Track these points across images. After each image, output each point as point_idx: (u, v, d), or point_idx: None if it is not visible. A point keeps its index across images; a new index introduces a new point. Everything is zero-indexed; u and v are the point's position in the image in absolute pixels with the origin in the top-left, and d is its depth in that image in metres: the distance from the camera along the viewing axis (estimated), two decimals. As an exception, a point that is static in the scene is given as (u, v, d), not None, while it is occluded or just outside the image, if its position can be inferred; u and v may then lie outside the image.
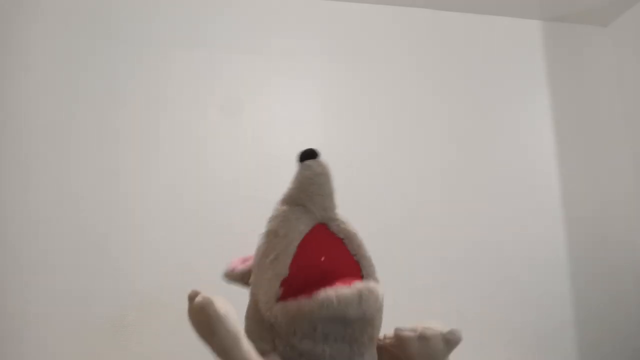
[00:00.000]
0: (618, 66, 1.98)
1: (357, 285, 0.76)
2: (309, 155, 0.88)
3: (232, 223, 1.58)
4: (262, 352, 0.75)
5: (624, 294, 1.79)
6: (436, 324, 0.83)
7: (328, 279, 0.77)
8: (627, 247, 1.84)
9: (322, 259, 0.82)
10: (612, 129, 1.94)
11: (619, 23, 1.99)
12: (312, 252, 0.82)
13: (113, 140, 1.60)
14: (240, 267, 0.96)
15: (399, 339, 0.82)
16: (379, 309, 0.82)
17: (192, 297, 0.73)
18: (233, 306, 0.74)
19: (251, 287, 0.88)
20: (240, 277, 0.97)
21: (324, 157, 0.89)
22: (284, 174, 1.66)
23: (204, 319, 0.70)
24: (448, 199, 1.75)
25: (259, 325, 0.81)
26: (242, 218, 1.59)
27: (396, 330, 0.83)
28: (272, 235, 0.85)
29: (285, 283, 0.79)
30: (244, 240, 1.56)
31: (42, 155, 1.55)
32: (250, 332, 0.81)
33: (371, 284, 0.79)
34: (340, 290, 0.74)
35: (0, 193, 1.49)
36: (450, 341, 0.83)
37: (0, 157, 1.52)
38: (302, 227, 0.83)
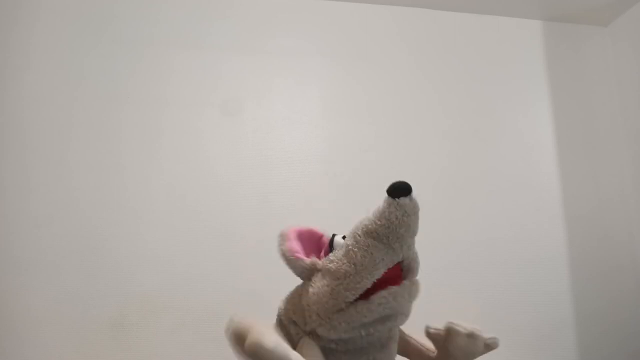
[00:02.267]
0: (618, 66, 1.98)
1: (405, 282, 0.87)
2: (402, 191, 0.84)
3: (232, 223, 1.58)
4: (297, 333, 0.88)
5: (624, 294, 1.79)
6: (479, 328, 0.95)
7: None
8: (627, 247, 1.84)
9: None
10: (612, 129, 1.94)
11: (619, 23, 1.99)
12: (380, 284, 0.85)
13: (113, 140, 1.60)
14: (307, 261, 0.92)
15: (451, 332, 0.94)
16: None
17: (235, 332, 0.81)
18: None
19: (310, 287, 0.89)
20: (299, 269, 0.93)
21: (413, 191, 0.85)
22: (284, 174, 1.68)
23: (251, 352, 0.75)
24: (448, 199, 1.75)
25: (301, 313, 0.89)
26: (242, 218, 1.59)
27: (449, 323, 0.96)
28: (352, 264, 0.84)
29: None
30: (244, 240, 1.57)
31: (42, 155, 1.55)
32: (292, 314, 0.91)
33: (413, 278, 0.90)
34: (392, 289, 0.84)
35: (0, 193, 1.49)
36: (490, 346, 0.97)
37: (0, 157, 1.52)
38: (382, 268, 0.84)
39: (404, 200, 0.83)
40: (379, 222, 0.84)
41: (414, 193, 0.83)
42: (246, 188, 1.62)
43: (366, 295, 0.84)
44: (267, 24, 1.80)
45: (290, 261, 0.92)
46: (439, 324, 0.98)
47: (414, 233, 0.86)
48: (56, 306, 1.44)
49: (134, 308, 1.47)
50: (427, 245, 1.67)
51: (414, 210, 0.83)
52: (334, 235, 0.97)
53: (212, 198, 1.60)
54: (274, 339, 0.75)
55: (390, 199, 0.83)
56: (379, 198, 1.79)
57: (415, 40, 1.91)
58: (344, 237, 0.94)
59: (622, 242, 1.84)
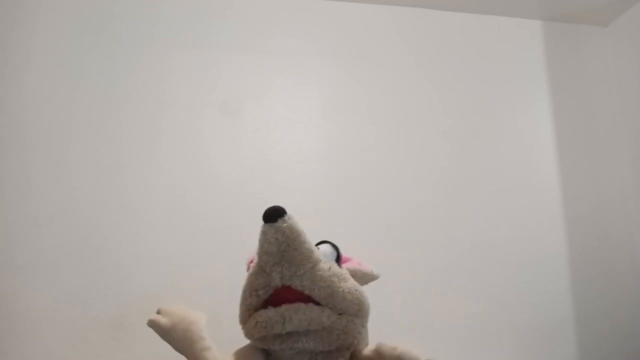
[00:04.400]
0: (618, 66, 1.98)
1: (282, 307, 0.88)
2: (266, 217, 0.86)
3: (232, 223, 1.58)
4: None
5: (624, 294, 1.79)
6: (416, 352, 0.84)
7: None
8: (627, 247, 1.84)
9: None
10: (612, 129, 1.94)
11: (619, 23, 1.99)
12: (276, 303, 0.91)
13: (113, 141, 1.60)
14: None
15: (378, 353, 0.87)
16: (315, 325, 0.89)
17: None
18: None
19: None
20: None
21: (284, 214, 0.87)
22: (284, 174, 1.68)
23: (158, 333, 0.93)
24: (448, 199, 1.75)
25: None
26: (242, 218, 1.59)
27: (378, 344, 0.88)
28: (243, 293, 0.96)
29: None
30: (244, 240, 1.56)
31: (42, 155, 1.55)
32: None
33: (298, 305, 0.88)
34: (265, 313, 0.89)
35: (0, 193, 1.49)
36: None
37: (0, 157, 1.52)
38: (262, 293, 0.90)
39: (264, 227, 0.86)
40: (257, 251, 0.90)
41: (284, 218, 0.85)
42: (246, 188, 1.62)
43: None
44: (267, 24, 1.80)
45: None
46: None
47: (282, 258, 0.87)
48: (56, 306, 1.43)
49: (134, 308, 1.47)
50: (427, 245, 1.69)
51: (276, 236, 0.85)
52: (318, 244, 0.99)
53: (212, 198, 1.60)
54: (173, 320, 0.93)
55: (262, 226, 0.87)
56: (379, 197, 1.80)
57: (415, 40, 1.91)
58: (333, 245, 0.98)
59: (622, 242, 1.84)
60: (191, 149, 1.63)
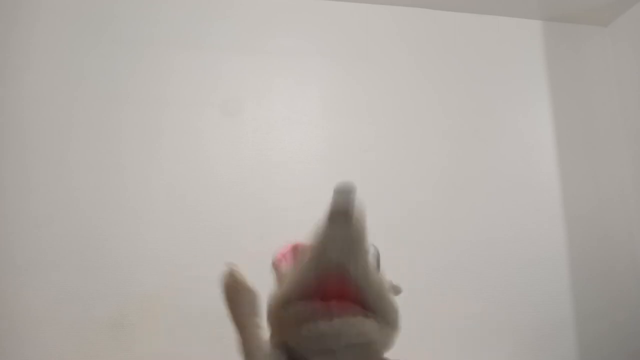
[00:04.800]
0: (618, 66, 1.98)
1: (336, 322, 0.77)
2: (345, 192, 0.81)
3: (232, 223, 1.58)
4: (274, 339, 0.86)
5: (624, 294, 1.79)
6: None
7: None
8: (627, 247, 1.84)
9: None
10: (612, 129, 1.94)
11: (619, 23, 1.99)
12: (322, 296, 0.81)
13: (113, 141, 1.60)
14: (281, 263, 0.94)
15: None
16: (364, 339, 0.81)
17: (227, 271, 0.85)
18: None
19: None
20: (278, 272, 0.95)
21: (355, 196, 0.82)
22: (284, 174, 1.68)
23: (232, 285, 0.82)
24: (448, 199, 1.75)
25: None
26: (242, 218, 1.59)
27: None
28: (287, 275, 0.86)
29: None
30: (244, 240, 1.57)
31: (42, 155, 1.55)
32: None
33: (354, 319, 0.79)
34: (317, 327, 0.77)
35: (0, 193, 1.49)
36: None
37: (0, 157, 1.52)
38: (312, 277, 0.80)
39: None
40: (315, 232, 0.81)
41: (353, 211, 0.81)
42: (246, 188, 1.62)
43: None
44: (267, 24, 1.80)
45: (273, 266, 0.97)
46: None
47: (353, 240, 0.81)
48: (56, 306, 1.43)
49: (134, 308, 1.47)
50: (427, 245, 1.69)
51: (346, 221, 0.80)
52: None
53: (212, 198, 1.60)
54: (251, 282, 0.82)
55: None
56: (379, 197, 1.79)
57: (415, 40, 1.91)
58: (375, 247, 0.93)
59: (622, 242, 1.84)
60: (191, 149, 1.63)
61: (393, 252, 1.66)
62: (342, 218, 0.79)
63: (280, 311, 0.81)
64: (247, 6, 1.80)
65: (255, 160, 1.66)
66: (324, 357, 0.79)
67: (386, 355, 0.87)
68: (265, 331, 0.83)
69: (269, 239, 1.57)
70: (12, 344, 1.40)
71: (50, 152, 1.55)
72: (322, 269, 0.79)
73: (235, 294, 0.81)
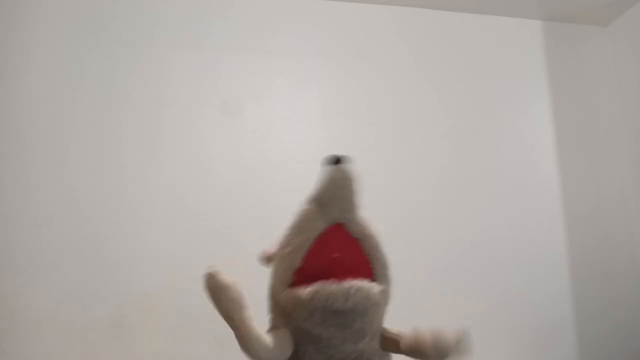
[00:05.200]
0: (618, 66, 1.98)
1: (347, 283, 0.87)
2: (331, 161, 0.92)
3: (232, 223, 1.58)
4: (276, 326, 0.94)
5: (624, 294, 1.79)
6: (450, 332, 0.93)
7: (337, 274, 0.89)
8: (627, 247, 1.84)
9: (335, 255, 0.92)
10: (612, 129, 1.94)
11: (619, 23, 1.99)
12: (326, 249, 0.92)
13: (113, 141, 1.60)
14: (271, 250, 1.02)
15: (416, 340, 0.93)
16: (372, 305, 0.91)
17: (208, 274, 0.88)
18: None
19: (271, 272, 0.98)
20: (270, 260, 1.04)
21: (349, 163, 0.93)
22: (284, 174, 1.68)
23: (210, 288, 0.85)
24: (448, 199, 1.75)
25: (275, 304, 0.95)
26: (242, 218, 1.59)
27: (414, 329, 0.94)
28: (292, 230, 0.94)
29: (297, 273, 0.92)
30: (244, 240, 1.57)
31: (42, 155, 1.55)
32: (270, 308, 0.98)
33: (362, 282, 0.89)
34: (327, 287, 0.87)
35: (0, 193, 1.49)
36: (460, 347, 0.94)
37: (0, 156, 1.52)
38: (318, 225, 0.92)
39: (331, 167, 0.92)
40: (315, 189, 0.93)
41: (344, 164, 0.92)
42: (246, 188, 1.62)
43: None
44: (267, 24, 1.80)
45: (262, 260, 1.05)
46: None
47: (344, 197, 0.93)
48: (56, 306, 1.44)
49: (134, 308, 1.47)
50: (427, 245, 1.69)
51: (341, 175, 0.92)
52: None
53: (212, 198, 1.60)
54: (233, 281, 0.85)
55: (324, 168, 0.92)
56: (379, 198, 1.79)
57: (415, 40, 1.91)
58: None
59: (622, 242, 1.84)
60: (191, 149, 1.63)
61: (393, 252, 1.67)
62: (337, 163, 0.91)
63: (289, 290, 0.91)
64: (247, 6, 1.80)
65: (255, 160, 1.66)
66: (333, 321, 0.88)
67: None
68: (256, 322, 0.86)
69: (269, 239, 1.57)
70: (12, 344, 1.40)
71: (50, 152, 1.55)
72: (318, 229, 0.91)
73: (219, 293, 0.84)
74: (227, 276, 0.85)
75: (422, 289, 1.63)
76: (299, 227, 0.93)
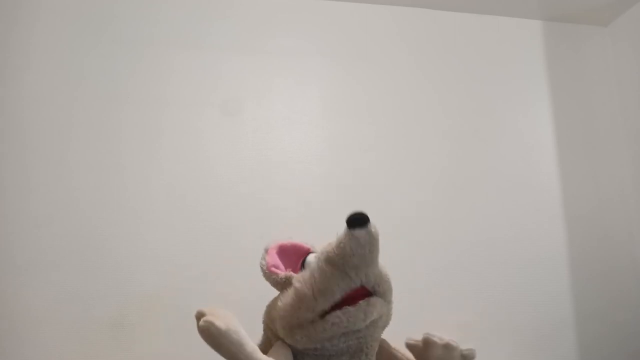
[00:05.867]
0: (618, 66, 1.98)
1: (360, 303, 0.88)
2: (357, 222, 0.86)
3: (232, 223, 1.58)
4: (270, 341, 0.97)
5: (624, 294, 1.79)
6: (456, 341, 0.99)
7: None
8: (627, 247, 1.84)
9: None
10: (612, 129, 1.94)
11: (619, 23, 1.99)
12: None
13: (113, 141, 1.60)
14: (281, 275, 0.98)
15: (427, 343, 0.97)
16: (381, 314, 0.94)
17: (198, 318, 0.87)
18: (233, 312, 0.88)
19: (279, 300, 0.95)
20: (273, 282, 1.00)
21: (370, 222, 0.87)
22: (284, 174, 1.68)
23: (208, 338, 0.84)
24: (448, 199, 1.75)
25: (286, 328, 0.93)
26: (242, 218, 1.59)
27: (426, 334, 0.98)
28: (311, 288, 0.89)
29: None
30: (244, 240, 1.57)
31: (42, 155, 1.55)
32: (270, 328, 0.99)
33: (374, 299, 0.90)
34: (346, 310, 0.87)
35: (0, 193, 1.49)
36: (467, 357, 0.99)
37: (0, 157, 1.52)
38: (339, 294, 0.88)
39: (358, 232, 0.85)
40: (336, 252, 0.87)
41: (371, 224, 0.86)
42: (246, 188, 1.62)
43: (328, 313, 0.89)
44: (267, 24, 1.80)
45: (265, 274, 0.99)
46: (418, 336, 1.01)
47: (371, 262, 0.89)
48: (56, 306, 1.43)
49: (134, 308, 1.47)
50: (427, 245, 1.69)
51: (369, 241, 0.86)
52: (308, 254, 1.03)
53: (212, 198, 1.60)
54: (226, 322, 0.84)
55: (346, 230, 0.86)
56: (379, 198, 1.80)
57: (415, 40, 1.91)
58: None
59: (622, 242, 1.84)
60: (191, 149, 1.63)
61: (393, 252, 1.66)
62: (363, 224, 0.86)
63: (301, 330, 0.90)
64: (247, 6, 1.80)
65: (255, 160, 1.66)
66: (349, 339, 0.90)
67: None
68: (257, 350, 0.86)
69: (269, 239, 1.57)
70: (12, 344, 1.40)
71: (50, 152, 1.55)
72: (343, 292, 0.88)
73: (222, 340, 0.83)
74: (221, 320, 0.84)
75: (422, 289, 1.63)
76: (318, 291, 0.88)
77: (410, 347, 1.02)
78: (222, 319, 0.85)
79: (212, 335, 0.83)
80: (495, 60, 1.93)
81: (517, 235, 1.76)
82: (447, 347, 0.97)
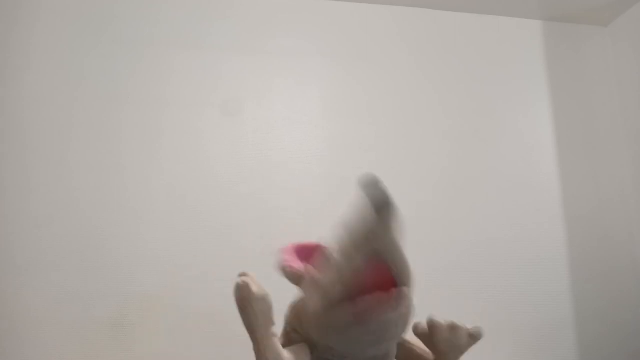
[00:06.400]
0: (618, 66, 1.98)
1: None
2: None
3: (232, 223, 1.58)
4: (290, 338, 0.91)
5: (624, 294, 1.79)
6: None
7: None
8: (627, 247, 1.84)
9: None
10: (612, 129, 1.94)
11: (619, 23, 1.99)
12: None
13: (113, 141, 1.60)
14: (297, 267, 0.94)
15: (431, 327, 0.97)
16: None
17: (240, 276, 0.83)
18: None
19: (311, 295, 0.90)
20: (291, 278, 0.96)
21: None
22: (284, 174, 1.68)
23: (239, 297, 0.80)
24: (448, 199, 1.75)
25: (311, 324, 0.88)
26: (242, 218, 1.59)
27: (429, 318, 0.98)
28: (333, 266, 0.86)
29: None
30: (244, 240, 1.57)
31: (42, 155, 1.55)
32: (293, 324, 0.94)
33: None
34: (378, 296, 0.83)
35: (0, 193, 1.49)
36: (474, 336, 0.99)
37: (0, 157, 1.52)
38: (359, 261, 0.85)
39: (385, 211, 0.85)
40: (355, 223, 0.86)
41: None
42: (246, 188, 1.62)
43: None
44: (267, 24, 1.80)
45: (284, 270, 0.95)
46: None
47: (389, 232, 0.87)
48: (56, 306, 1.44)
49: (134, 308, 1.47)
50: (427, 245, 1.69)
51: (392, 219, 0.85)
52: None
53: (212, 198, 1.60)
54: (263, 294, 0.81)
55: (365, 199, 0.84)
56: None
57: (415, 40, 1.91)
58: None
59: (622, 242, 1.84)
60: (191, 149, 1.63)
61: (393, 252, 1.67)
62: (387, 209, 0.84)
63: (333, 312, 0.82)
64: (247, 6, 1.80)
65: (255, 160, 1.66)
66: (383, 343, 0.87)
67: None
68: (276, 338, 0.82)
69: (269, 239, 1.57)
70: (12, 344, 1.40)
71: (50, 152, 1.55)
72: (371, 261, 0.85)
73: (250, 305, 0.80)
74: (260, 289, 0.81)
75: (422, 289, 1.62)
76: (342, 265, 0.84)
77: (419, 335, 1.01)
78: (262, 290, 0.82)
79: (244, 296, 0.80)
80: (495, 60, 1.93)
81: (517, 235, 1.76)
82: (453, 328, 0.98)
